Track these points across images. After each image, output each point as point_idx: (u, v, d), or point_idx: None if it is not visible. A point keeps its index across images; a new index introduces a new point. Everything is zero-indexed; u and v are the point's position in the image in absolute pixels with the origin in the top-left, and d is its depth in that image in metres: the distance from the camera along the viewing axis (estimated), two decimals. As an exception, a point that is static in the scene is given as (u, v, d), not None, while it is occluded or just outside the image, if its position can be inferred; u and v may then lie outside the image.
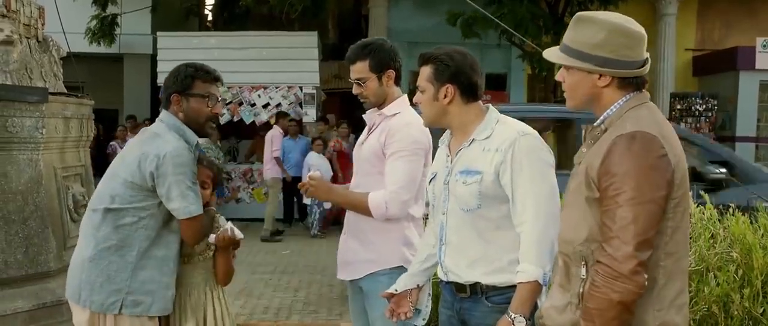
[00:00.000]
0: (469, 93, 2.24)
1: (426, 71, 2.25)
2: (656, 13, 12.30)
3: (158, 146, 2.49)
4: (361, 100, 2.74)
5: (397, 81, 2.71)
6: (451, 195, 2.23)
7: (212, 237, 2.68)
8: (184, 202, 2.48)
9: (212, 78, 2.65)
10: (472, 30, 10.13)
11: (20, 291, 3.59)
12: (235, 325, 2.94)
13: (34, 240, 3.64)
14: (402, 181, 2.56)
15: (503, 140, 2.15)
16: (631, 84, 1.79)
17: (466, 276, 2.21)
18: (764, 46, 12.37)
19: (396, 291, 2.44)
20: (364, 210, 2.61)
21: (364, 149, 2.74)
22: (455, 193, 2.21)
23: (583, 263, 1.76)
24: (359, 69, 2.66)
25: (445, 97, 2.22)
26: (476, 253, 2.19)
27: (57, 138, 3.86)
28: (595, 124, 1.83)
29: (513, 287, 2.12)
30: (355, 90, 2.71)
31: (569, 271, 1.82)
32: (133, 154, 2.54)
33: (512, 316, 2.07)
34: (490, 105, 2.31)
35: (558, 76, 1.89)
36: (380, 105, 2.71)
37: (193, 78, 2.60)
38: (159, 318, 2.63)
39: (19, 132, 3.61)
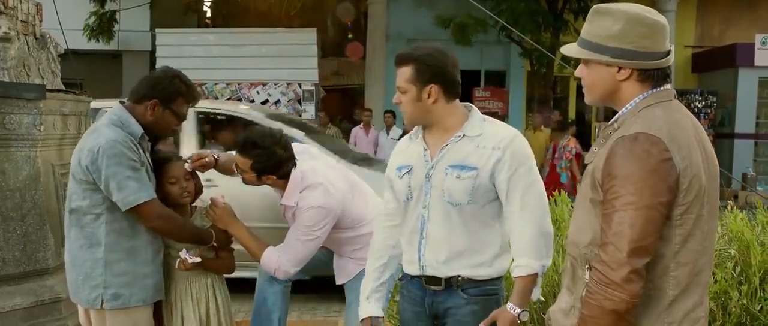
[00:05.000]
0: (452, 91, 2.24)
1: (406, 72, 2.23)
2: (655, 8, 12.23)
3: (93, 140, 2.52)
4: None
5: (283, 177, 2.85)
6: (433, 188, 2.23)
7: (177, 262, 2.68)
8: (123, 193, 2.48)
9: (192, 99, 2.70)
10: (465, 33, 10.13)
11: (18, 288, 3.59)
12: (234, 321, 2.96)
13: (32, 237, 3.64)
14: (293, 258, 2.83)
15: (500, 139, 2.19)
16: (652, 77, 1.72)
17: (446, 271, 2.23)
18: (763, 42, 12.37)
19: (369, 317, 2.44)
20: (255, 258, 2.89)
21: None
22: (442, 187, 2.20)
23: (586, 266, 1.70)
24: (242, 162, 2.82)
25: (429, 96, 2.21)
26: (460, 247, 2.21)
27: (55, 135, 3.86)
28: (609, 122, 1.77)
29: (491, 280, 2.21)
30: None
31: (575, 274, 1.77)
32: (76, 149, 2.59)
33: (518, 312, 2.13)
34: (470, 103, 2.34)
35: (577, 72, 1.83)
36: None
37: (180, 95, 2.64)
38: (156, 306, 2.69)
39: (16, 129, 3.60)
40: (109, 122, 2.59)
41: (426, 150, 2.28)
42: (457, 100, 2.28)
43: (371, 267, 2.45)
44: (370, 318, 2.43)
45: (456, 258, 2.21)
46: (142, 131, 2.63)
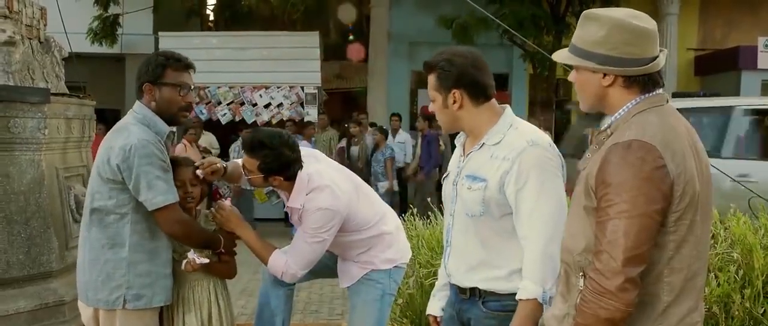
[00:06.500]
0: (479, 94, 2.14)
1: (431, 80, 2.17)
2: (658, 12, 12.26)
3: (124, 138, 2.50)
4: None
5: (290, 179, 2.83)
6: (458, 197, 2.19)
7: (184, 263, 2.68)
8: (151, 193, 2.48)
9: (183, 66, 2.64)
10: (467, 34, 10.10)
11: (22, 291, 3.60)
12: (235, 324, 2.97)
13: (37, 240, 3.65)
14: (301, 261, 2.84)
15: (511, 149, 2.07)
16: (638, 83, 1.71)
17: (465, 282, 2.19)
18: (766, 45, 12.34)
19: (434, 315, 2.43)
20: (263, 261, 2.90)
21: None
22: (461, 197, 2.17)
23: (581, 274, 1.69)
24: (249, 163, 2.80)
25: (454, 102, 2.14)
26: (477, 259, 2.15)
27: (59, 138, 3.87)
28: (602, 128, 1.76)
29: (510, 294, 2.08)
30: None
31: (569, 280, 1.76)
32: (104, 147, 2.55)
33: None
34: (507, 106, 2.22)
35: (570, 77, 1.83)
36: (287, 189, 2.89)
37: (164, 67, 2.59)
38: (161, 310, 2.68)
39: (21, 132, 3.62)
40: (136, 121, 2.58)
41: (461, 157, 2.24)
42: (490, 103, 2.17)
43: (442, 265, 2.42)
44: (430, 315, 2.43)
45: (473, 269, 2.16)
46: (168, 129, 2.62)
